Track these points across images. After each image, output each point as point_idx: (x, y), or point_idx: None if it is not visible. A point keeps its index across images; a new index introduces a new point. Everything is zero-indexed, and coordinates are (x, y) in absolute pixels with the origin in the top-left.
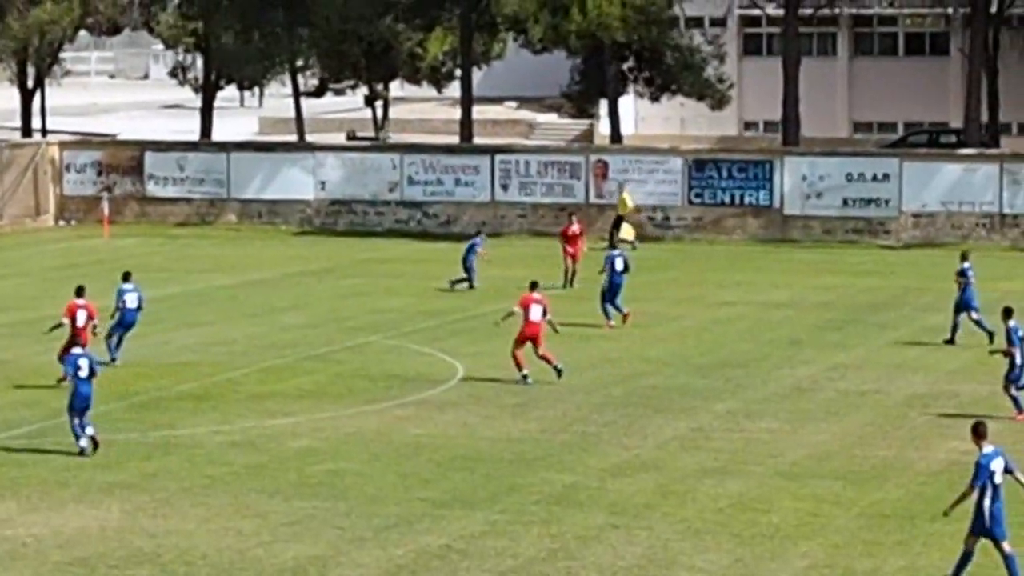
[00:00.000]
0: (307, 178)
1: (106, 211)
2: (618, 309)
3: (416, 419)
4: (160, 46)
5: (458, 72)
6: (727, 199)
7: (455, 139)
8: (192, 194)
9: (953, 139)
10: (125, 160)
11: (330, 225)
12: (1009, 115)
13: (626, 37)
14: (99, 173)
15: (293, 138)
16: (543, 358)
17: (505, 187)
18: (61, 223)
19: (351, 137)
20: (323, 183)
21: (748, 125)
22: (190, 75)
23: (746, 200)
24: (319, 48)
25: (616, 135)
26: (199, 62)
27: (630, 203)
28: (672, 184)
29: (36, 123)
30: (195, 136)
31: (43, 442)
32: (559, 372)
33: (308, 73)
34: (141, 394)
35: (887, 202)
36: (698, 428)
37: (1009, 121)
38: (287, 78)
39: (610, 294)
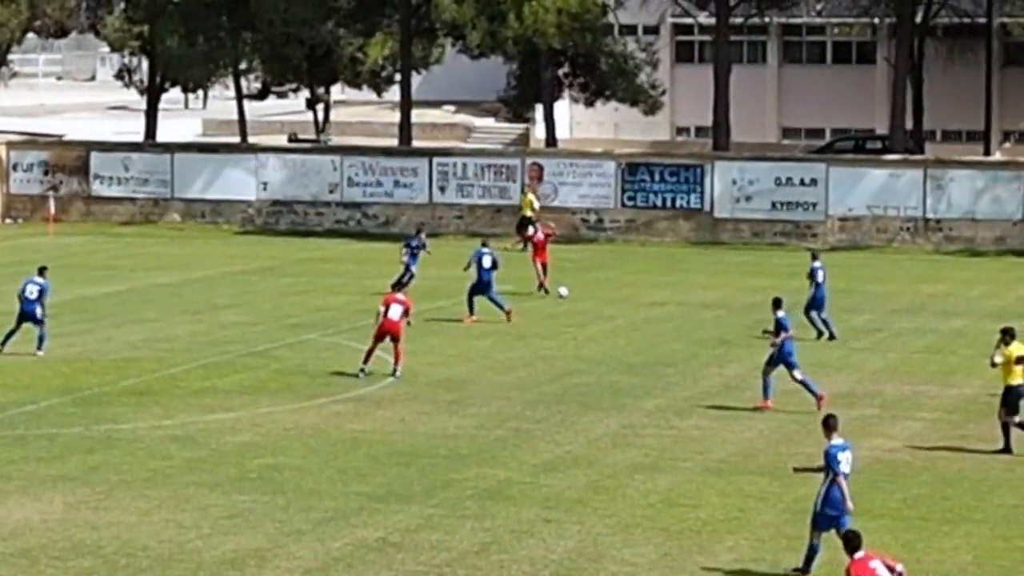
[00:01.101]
0: (249, 179)
1: (52, 209)
2: (499, 306)
3: (354, 415)
4: (106, 49)
5: (398, 76)
6: (659, 202)
7: (394, 142)
8: (137, 194)
9: (879, 145)
10: (71, 160)
11: (272, 225)
12: (933, 122)
13: (561, 43)
14: (45, 172)
15: (236, 140)
16: (396, 354)
17: (443, 189)
18: (7, 221)
19: (293, 139)
20: (265, 184)
21: (680, 130)
22: (135, 77)
23: (677, 203)
24: (262, 52)
25: (552, 139)
26: (144, 65)
27: (536, 204)
28: (605, 187)
29: None
30: (140, 137)
31: None
32: (394, 372)
33: (251, 76)
34: (84, 389)
35: (814, 206)
36: (629, 425)
37: (933, 128)
38: (230, 81)
39: (478, 289)
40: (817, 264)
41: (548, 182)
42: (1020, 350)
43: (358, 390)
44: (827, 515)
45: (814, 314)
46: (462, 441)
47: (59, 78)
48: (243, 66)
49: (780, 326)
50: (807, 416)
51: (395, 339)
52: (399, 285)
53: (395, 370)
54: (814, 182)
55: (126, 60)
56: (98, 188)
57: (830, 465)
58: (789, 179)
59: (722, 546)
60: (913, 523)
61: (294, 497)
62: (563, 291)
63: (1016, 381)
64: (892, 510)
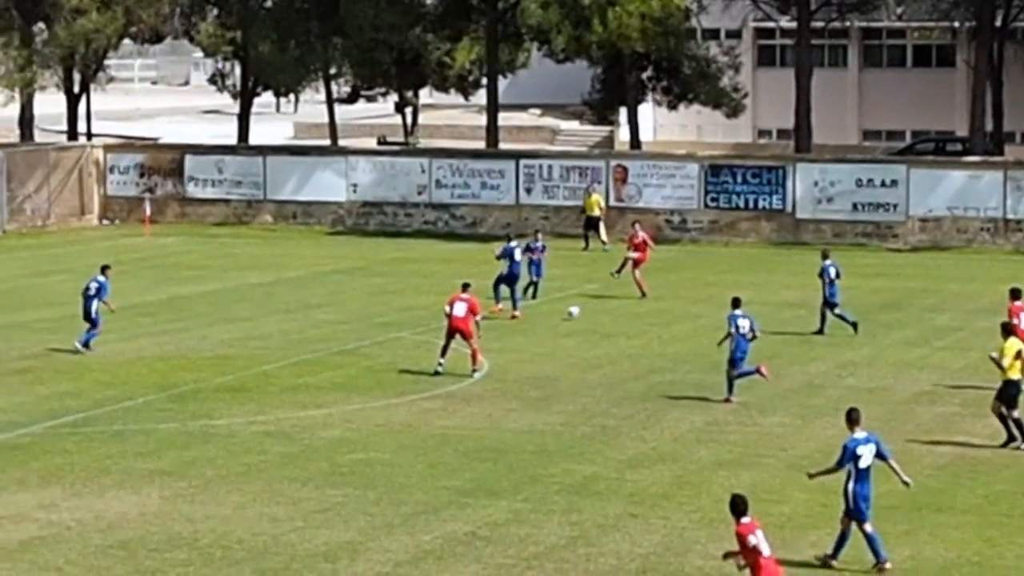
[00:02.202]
0: (340, 181)
1: (148, 211)
2: (514, 301)
3: (443, 411)
4: (200, 54)
5: (484, 80)
6: (741, 203)
7: (481, 144)
8: (230, 195)
9: (959, 147)
10: (166, 163)
11: (361, 226)
12: (1013, 124)
13: (645, 48)
14: (141, 175)
15: (326, 142)
16: (472, 354)
17: (529, 190)
18: (105, 222)
19: (382, 142)
20: (355, 186)
21: (762, 133)
22: (228, 82)
23: (760, 204)
24: (352, 57)
25: (635, 141)
26: (237, 70)
27: (602, 204)
28: (689, 188)
29: (82, 127)
30: (233, 140)
31: (87, 431)
32: (472, 372)
33: (341, 80)
34: (181, 386)
35: (895, 207)
36: (713, 422)
37: (1013, 130)
38: (321, 85)
39: (506, 280)
40: (828, 263)
41: (632, 184)
42: (1018, 345)
43: (447, 387)
44: (859, 506)
45: (832, 312)
46: (549, 437)
47: (154, 83)
48: (333, 70)
49: (732, 323)
50: (889, 412)
51: (465, 337)
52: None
53: (473, 369)
54: (895, 183)
55: (219, 65)
56: (192, 190)
57: (843, 460)
58: (870, 180)
59: (805, 541)
60: (995, 519)
61: (385, 491)
62: (574, 311)
63: (1015, 376)
64: (975, 506)
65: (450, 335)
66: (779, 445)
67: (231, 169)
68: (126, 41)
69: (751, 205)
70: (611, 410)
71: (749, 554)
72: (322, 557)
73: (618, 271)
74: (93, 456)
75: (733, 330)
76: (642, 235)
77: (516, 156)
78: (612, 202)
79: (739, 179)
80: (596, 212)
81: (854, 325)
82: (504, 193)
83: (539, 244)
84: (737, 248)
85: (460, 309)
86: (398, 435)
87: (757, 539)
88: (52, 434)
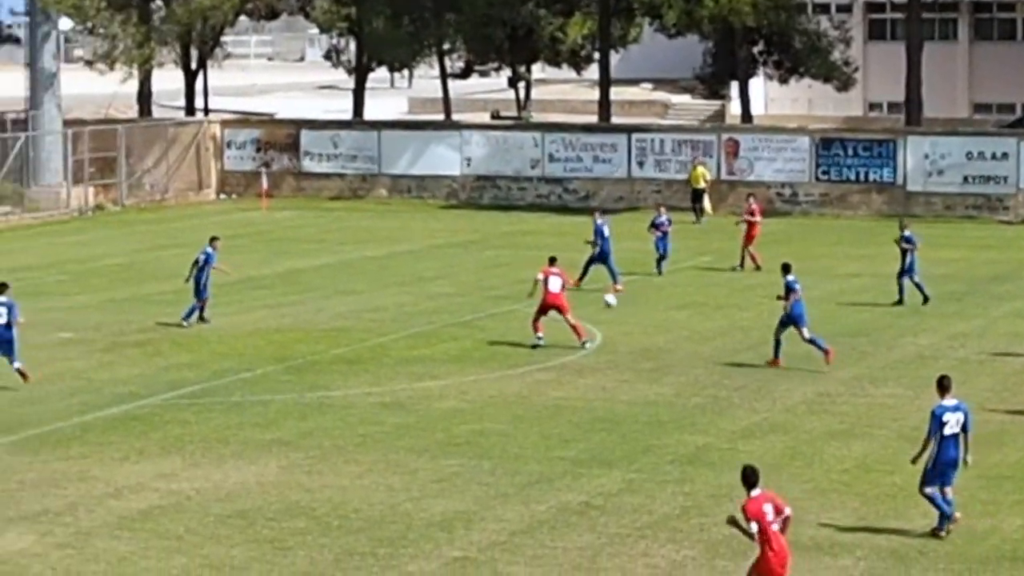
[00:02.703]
0: (454, 155)
1: (264, 185)
2: (614, 275)
3: (556, 383)
4: (315, 30)
5: (597, 55)
6: (852, 176)
7: (594, 119)
8: (345, 170)
9: None
10: (282, 138)
11: (475, 199)
12: None
13: (756, 22)
14: (258, 150)
15: (440, 117)
16: (573, 328)
17: (641, 164)
18: (222, 197)
19: (495, 116)
20: (469, 160)
21: (872, 106)
22: (343, 58)
23: (870, 177)
24: (465, 32)
25: (747, 115)
26: (352, 45)
27: (707, 176)
28: (800, 162)
29: (199, 103)
30: (348, 115)
31: (206, 402)
32: (583, 344)
33: (455, 56)
34: (298, 358)
35: (1005, 179)
36: (824, 393)
37: None
38: (435, 60)
39: (599, 258)
40: (908, 233)
41: (743, 157)
42: None
43: (560, 359)
44: (942, 471)
45: (907, 279)
46: (662, 408)
47: (270, 59)
48: (447, 46)
49: (789, 289)
50: (1000, 383)
51: (561, 311)
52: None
53: (583, 342)
54: (1005, 156)
55: (334, 41)
56: (308, 164)
57: (932, 428)
58: (980, 153)
59: (917, 511)
60: None
61: (500, 461)
62: (610, 300)
63: None
64: None
65: (544, 311)
66: (890, 416)
67: (346, 144)
68: (242, 18)
69: (862, 178)
70: (723, 381)
71: (751, 536)
72: (438, 526)
73: (752, 264)
74: (212, 427)
75: (793, 295)
76: (755, 207)
77: (628, 130)
78: (723, 175)
79: (850, 152)
80: (701, 184)
81: (926, 298)
82: (616, 167)
83: (664, 219)
84: (847, 221)
85: (556, 284)
86: (512, 406)
87: (763, 517)
88: (171, 405)
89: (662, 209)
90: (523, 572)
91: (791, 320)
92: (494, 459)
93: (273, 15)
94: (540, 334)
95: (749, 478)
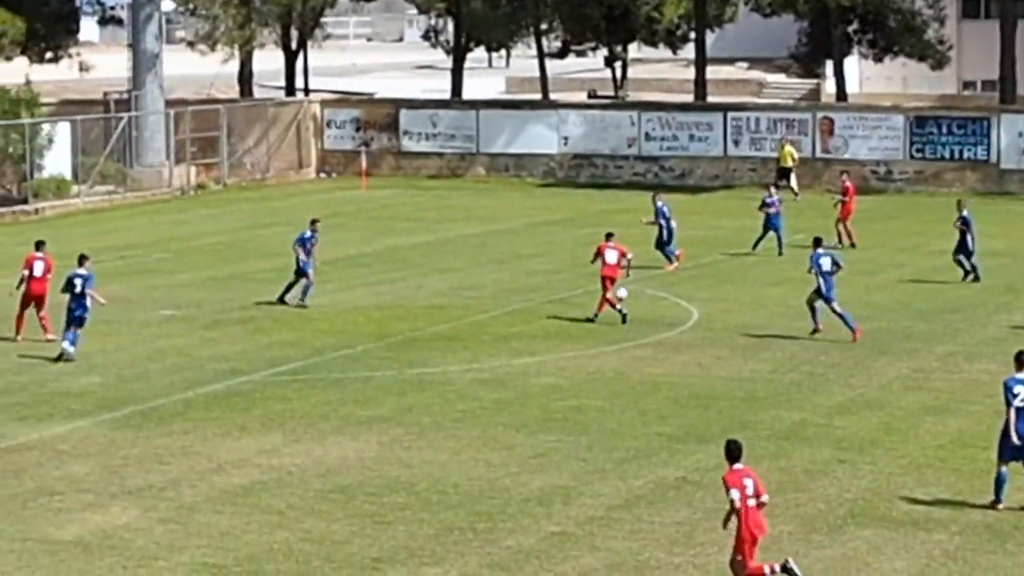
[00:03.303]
0: (551, 134)
1: (364, 164)
2: (667, 257)
3: (653, 359)
4: (414, 11)
5: (692, 35)
6: (946, 154)
7: (689, 98)
8: (444, 149)
9: None
10: (381, 117)
11: (572, 178)
12: None
13: (851, 1)
14: (357, 129)
15: (538, 96)
16: (608, 301)
17: (736, 143)
18: (322, 175)
19: (592, 96)
20: (566, 138)
21: (967, 84)
22: (442, 38)
23: (964, 155)
24: (562, 12)
25: (841, 94)
26: (450, 26)
27: (795, 155)
28: (894, 140)
29: (299, 83)
30: (446, 95)
31: (307, 378)
32: (624, 317)
33: (552, 35)
34: (397, 335)
35: None
36: (919, 369)
37: None
38: (532, 40)
39: (664, 240)
40: (965, 213)
41: (838, 135)
42: None
43: (657, 335)
44: (1011, 445)
45: (963, 258)
46: (758, 384)
47: (369, 39)
48: (544, 26)
49: (816, 262)
50: None
51: (612, 282)
52: (778, 242)
53: (595, 316)
54: None
55: (432, 21)
56: (407, 144)
57: (1007, 398)
58: None
59: (1011, 486)
60: None
61: (597, 437)
62: (621, 293)
63: None
64: None
65: (604, 282)
66: (985, 392)
67: (445, 123)
68: None
69: (956, 156)
70: (818, 357)
71: (734, 504)
72: (536, 501)
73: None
74: (313, 403)
75: (816, 268)
76: (848, 184)
77: (724, 109)
78: (818, 153)
79: (944, 130)
80: (789, 163)
81: (976, 278)
82: (712, 145)
83: (775, 199)
84: (942, 198)
85: (612, 256)
86: (610, 382)
87: (743, 490)
88: (273, 382)
89: (771, 189)
90: (621, 547)
91: (821, 295)
92: (592, 435)
93: None
94: (619, 306)
95: (732, 451)
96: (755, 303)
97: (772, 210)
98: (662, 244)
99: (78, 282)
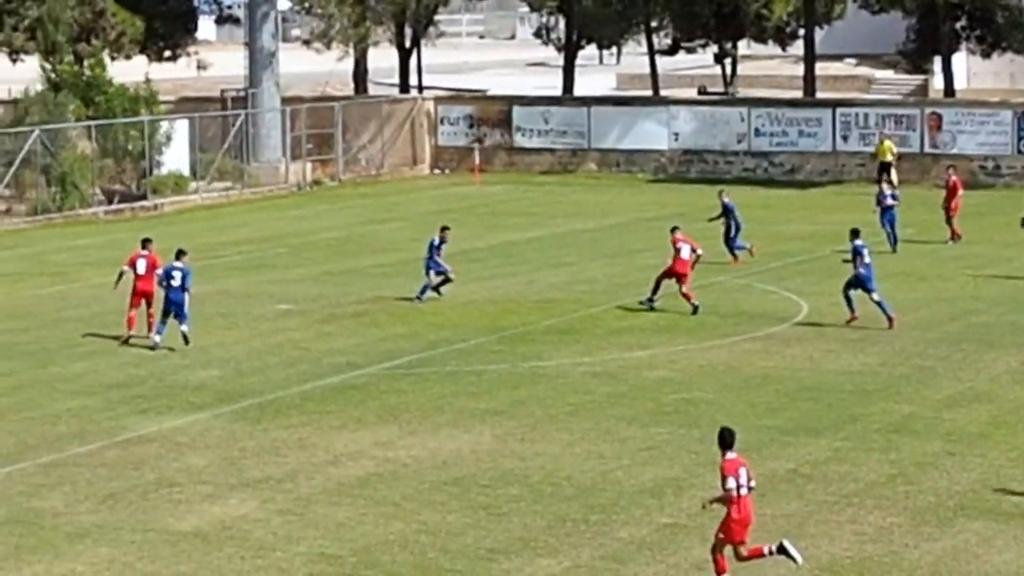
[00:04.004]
0: (661, 130)
1: (477, 160)
2: (734, 249)
3: (764, 352)
4: (525, 9)
5: (801, 31)
6: None
7: (799, 94)
8: (556, 145)
9: None
10: (494, 114)
11: (682, 173)
12: None
13: None
14: (471, 126)
15: (648, 93)
16: (684, 295)
17: (845, 138)
18: (436, 171)
19: (702, 92)
20: (676, 134)
21: None
22: (553, 35)
23: None
24: (672, 10)
25: (949, 89)
26: (562, 23)
27: (894, 150)
28: (1002, 135)
29: (413, 80)
30: (558, 91)
31: (422, 372)
32: (695, 309)
33: (662, 33)
34: (510, 328)
35: None
36: None
37: None
38: (643, 37)
39: (733, 236)
40: None
41: (946, 131)
42: None
43: (767, 329)
44: None
45: None
46: (867, 377)
47: (481, 37)
48: (654, 23)
49: (856, 253)
50: None
51: (682, 279)
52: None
53: (695, 306)
54: None
55: (544, 19)
56: (520, 140)
57: None
58: None
59: None
60: None
61: (708, 430)
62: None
63: None
64: None
65: (669, 275)
66: None
67: (557, 119)
68: None
69: None
70: (927, 351)
71: (727, 491)
72: (648, 493)
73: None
74: (427, 396)
75: (857, 258)
76: (954, 179)
77: (832, 104)
78: (926, 149)
79: None
80: (888, 158)
81: None
82: (821, 140)
83: (888, 194)
84: None
85: (686, 251)
86: (720, 375)
87: (738, 477)
88: (388, 375)
89: (885, 186)
90: None
91: (859, 282)
92: (703, 427)
93: None
94: (656, 297)
95: (726, 439)
96: (864, 297)
97: (889, 203)
98: (729, 240)
99: (176, 275)
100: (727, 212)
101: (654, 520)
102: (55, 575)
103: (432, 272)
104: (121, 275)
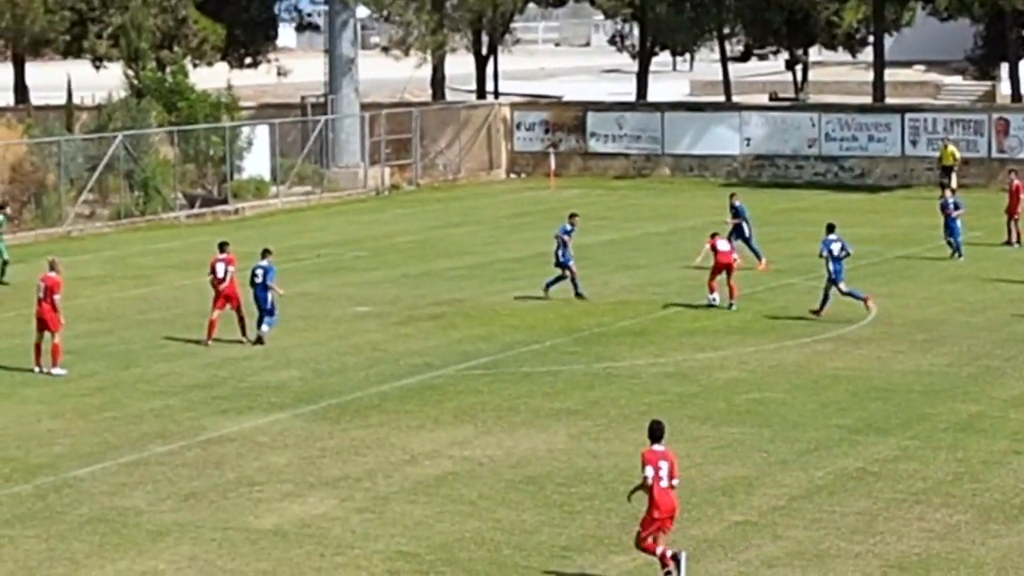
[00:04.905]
0: (733, 135)
1: (552, 165)
2: (756, 252)
3: (834, 353)
4: (600, 16)
5: (871, 38)
6: None
7: (868, 99)
8: (629, 150)
9: None
10: (569, 119)
11: (754, 178)
12: None
13: None
14: (546, 131)
15: (721, 99)
16: (730, 287)
17: (914, 143)
18: (512, 176)
19: (773, 98)
20: (748, 140)
21: None
22: (627, 42)
23: None
24: (744, 17)
25: (1016, 95)
26: (636, 30)
27: (957, 155)
28: None
29: (489, 86)
30: (632, 97)
31: (498, 372)
32: (730, 306)
33: (734, 40)
34: (584, 330)
35: None
36: None
37: None
38: (715, 44)
39: (748, 237)
40: None
41: (1013, 135)
42: None
43: (838, 330)
44: None
45: None
46: (936, 377)
47: (557, 44)
48: (727, 30)
49: (827, 247)
50: None
51: (730, 272)
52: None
53: (731, 303)
54: None
55: (618, 26)
56: (594, 145)
57: None
58: None
59: None
60: None
61: (779, 429)
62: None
63: None
64: None
65: (718, 271)
66: None
67: (631, 125)
68: (531, 5)
69: None
70: (995, 351)
71: (644, 479)
72: (720, 491)
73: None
74: (503, 396)
75: (827, 253)
76: (1017, 183)
77: (902, 110)
78: (994, 153)
79: None
80: (951, 162)
81: None
82: (890, 145)
83: (951, 201)
84: None
85: (724, 245)
86: (791, 375)
87: (658, 469)
88: (464, 375)
89: (948, 193)
90: (802, 535)
91: (834, 276)
92: (774, 427)
93: (560, 2)
94: (714, 295)
95: (655, 431)
96: (932, 299)
97: (953, 213)
98: (747, 242)
99: (259, 273)
100: (739, 214)
101: (725, 518)
102: (137, 572)
103: (571, 263)
104: (212, 283)
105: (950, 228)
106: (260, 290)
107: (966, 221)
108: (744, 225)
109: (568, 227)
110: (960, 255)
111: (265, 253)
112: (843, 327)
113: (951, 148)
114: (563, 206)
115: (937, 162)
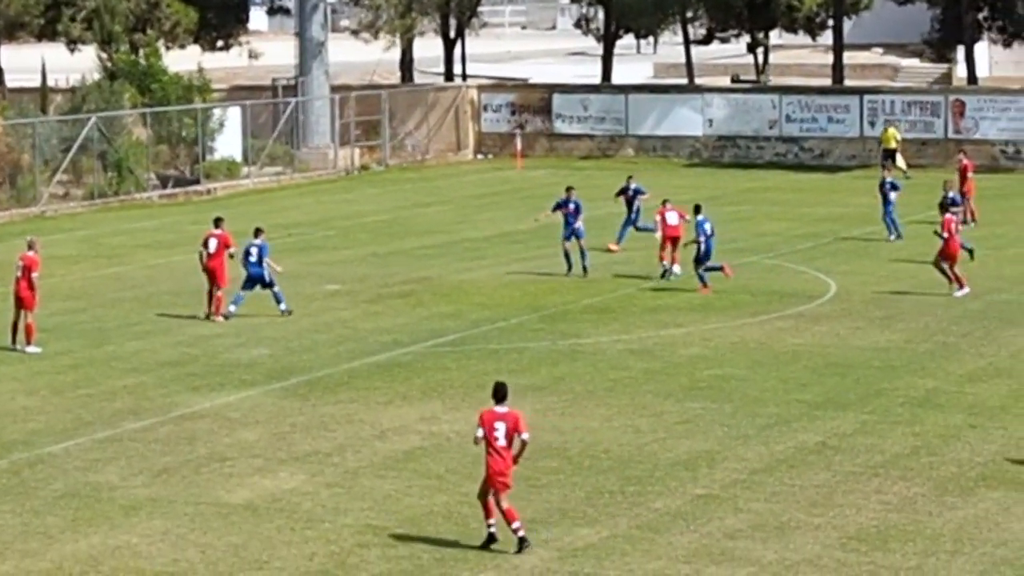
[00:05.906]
0: (696, 116)
1: (519, 146)
2: (635, 230)
3: (794, 330)
4: (566, 0)
5: (831, 21)
6: None
7: (828, 82)
8: (594, 131)
9: None
10: (535, 101)
11: (716, 158)
12: None
13: None
14: (512, 113)
15: (684, 81)
16: (672, 259)
17: (872, 124)
18: (479, 157)
19: (735, 80)
20: (710, 121)
21: None
22: (592, 26)
23: None
24: (707, 1)
25: (972, 77)
26: (601, 14)
27: (898, 137)
28: (1022, 121)
29: (457, 69)
30: (597, 80)
31: (465, 349)
32: (674, 274)
33: (697, 23)
34: (551, 307)
35: None
36: None
37: None
38: (679, 28)
39: (635, 219)
40: None
41: (969, 117)
42: None
43: (797, 308)
44: None
45: None
46: (893, 353)
47: (523, 27)
48: (690, 14)
49: (700, 229)
50: None
51: (675, 244)
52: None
53: (669, 270)
54: None
55: (584, 10)
56: (560, 126)
57: None
58: None
59: None
60: None
61: (740, 404)
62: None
63: None
64: None
65: (666, 243)
66: None
67: (596, 107)
68: None
69: None
70: (951, 328)
71: (476, 439)
72: (683, 465)
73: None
74: (470, 372)
75: (703, 237)
76: (965, 162)
77: (860, 92)
78: (950, 134)
79: None
80: (892, 144)
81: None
82: (849, 127)
83: (891, 182)
84: None
85: (673, 218)
86: (752, 352)
87: (492, 430)
88: (432, 352)
89: (885, 173)
90: (763, 508)
91: (705, 255)
92: (735, 402)
93: None
94: (666, 262)
95: (498, 392)
96: (889, 277)
97: (891, 196)
98: (627, 224)
99: (254, 251)
100: (634, 196)
101: (688, 491)
102: (111, 547)
103: (570, 239)
104: (201, 256)
105: (886, 209)
106: (254, 267)
107: (920, 201)
108: (634, 206)
109: (566, 200)
110: (899, 236)
111: (258, 232)
112: (803, 304)
113: (891, 131)
114: (529, 186)
115: (878, 144)
